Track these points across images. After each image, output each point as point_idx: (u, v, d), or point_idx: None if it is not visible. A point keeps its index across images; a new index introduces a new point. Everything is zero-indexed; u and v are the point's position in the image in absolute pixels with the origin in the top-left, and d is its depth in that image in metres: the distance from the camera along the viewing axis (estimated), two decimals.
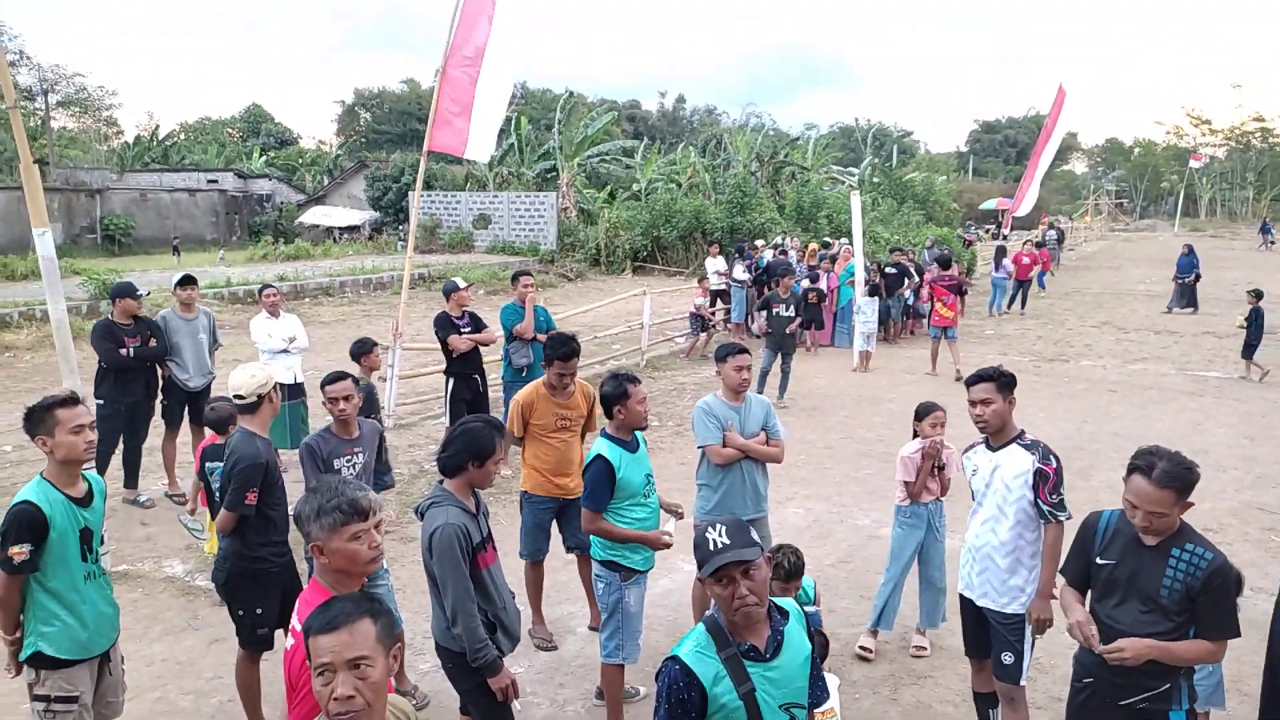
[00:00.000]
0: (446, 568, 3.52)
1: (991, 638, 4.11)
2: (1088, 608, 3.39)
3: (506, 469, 8.91)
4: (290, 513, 4.08)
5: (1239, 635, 3.17)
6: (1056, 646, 5.34)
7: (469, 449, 3.64)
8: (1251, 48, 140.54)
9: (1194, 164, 66.39)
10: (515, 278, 9.31)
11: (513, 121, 35.60)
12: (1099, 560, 3.31)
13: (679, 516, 4.93)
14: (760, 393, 11.69)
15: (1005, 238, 28.37)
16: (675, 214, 28.76)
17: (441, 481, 3.76)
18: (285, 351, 8.75)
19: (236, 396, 4.58)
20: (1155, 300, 22.93)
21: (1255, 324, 13.76)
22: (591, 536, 4.72)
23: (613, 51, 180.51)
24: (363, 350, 7.27)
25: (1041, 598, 3.94)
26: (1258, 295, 14.12)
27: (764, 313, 12.42)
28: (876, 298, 15.18)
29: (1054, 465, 3.92)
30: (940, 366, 14.11)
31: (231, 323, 16.75)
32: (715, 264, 18.08)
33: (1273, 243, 41.89)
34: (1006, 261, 20.97)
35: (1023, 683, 4.04)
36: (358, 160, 44.02)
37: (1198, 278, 21.24)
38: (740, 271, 17.09)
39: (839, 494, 8.51)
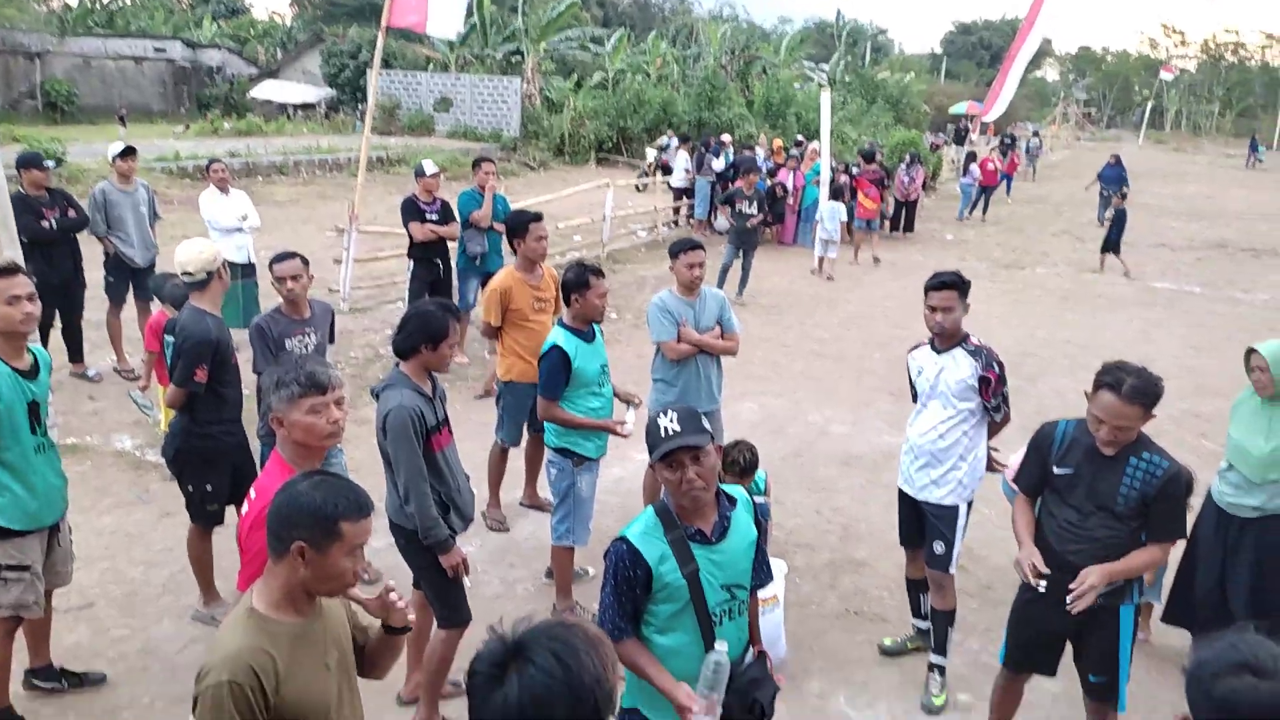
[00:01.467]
0: (400, 448, 3.55)
1: (926, 528, 4.26)
2: (1039, 512, 3.49)
3: (462, 355, 8.90)
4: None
5: (1185, 537, 3.31)
6: (989, 537, 5.58)
7: (422, 331, 3.64)
8: None
9: (1165, 76, 66.01)
10: (476, 163, 9.14)
11: (474, 1, 34.19)
12: (1056, 469, 3.37)
13: (637, 405, 4.97)
14: (720, 288, 11.73)
15: (973, 143, 28.20)
16: (642, 105, 28.14)
17: (398, 364, 3.76)
18: (238, 230, 8.54)
19: (184, 273, 4.48)
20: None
21: (1118, 223, 15.03)
22: (545, 423, 4.78)
23: None
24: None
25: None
26: (1123, 196, 16.03)
27: (727, 207, 12.33)
28: (839, 202, 14.68)
29: (996, 372, 4.02)
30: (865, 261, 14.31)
31: (180, 198, 16.26)
32: (682, 160, 17.83)
33: (1260, 160, 40.70)
34: (974, 167, 20.91)
35: (952, 571, 4.21)
36: (313, 34, 42.08)
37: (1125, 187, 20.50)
38: (718, 164, 16.91)
39: (793, 391, 8.65)
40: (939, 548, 4.20)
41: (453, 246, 8.87)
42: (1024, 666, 3.55)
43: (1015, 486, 3.67)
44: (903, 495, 4.42)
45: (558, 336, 4.61)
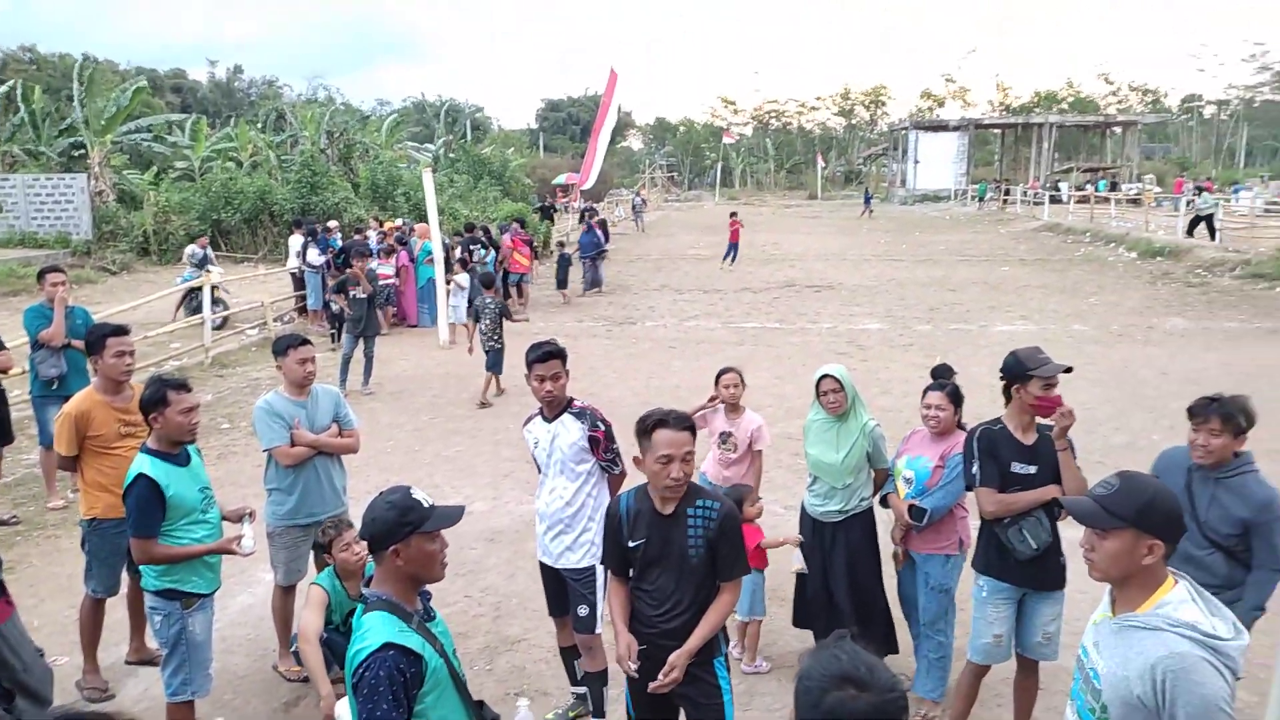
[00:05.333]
0: None
1: (569, 594, 4.34)
2: (633, 586, 3.50)
3: (58, 499, 7.64)
4: None
5: (748, 572, 3.60)
6: None
7: None
8: (767, 39, 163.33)
9: (726, 141, 75.85)
10: (41, 275, 8.04)
11: (19, 92, 30.25)
12: (631, 544, 3.40)
13: (252, 517, 4.51)
14: (343, 382, 11.29)
15: (572, 210, 30.04)
16: (236, 195, 26.45)
17: None
18: None
19: None
20: (704, 263, 25.82)
21: (562, 267, 19.42)
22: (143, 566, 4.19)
23: (149, 14, 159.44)
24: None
25: None
26: (562, 245, 20.68)
27: (340, 295, 11.92)
28: (465, 288, 14.81)
29: (603, 430, 4.24)
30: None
31: None
32: (296, 244, 16.97)
33: (872, 212, 45.06)
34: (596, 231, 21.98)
35: (598, 631, 4.32)
36: None
37: (604, 255, 21.41)
38: (314, 255, 16.18)
39: (430, 475, 8.47)
40: (583, 610, 4.29)
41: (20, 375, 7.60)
42: None
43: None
44: (543, 566, 4.47)
45: (142, 464, 4.08)
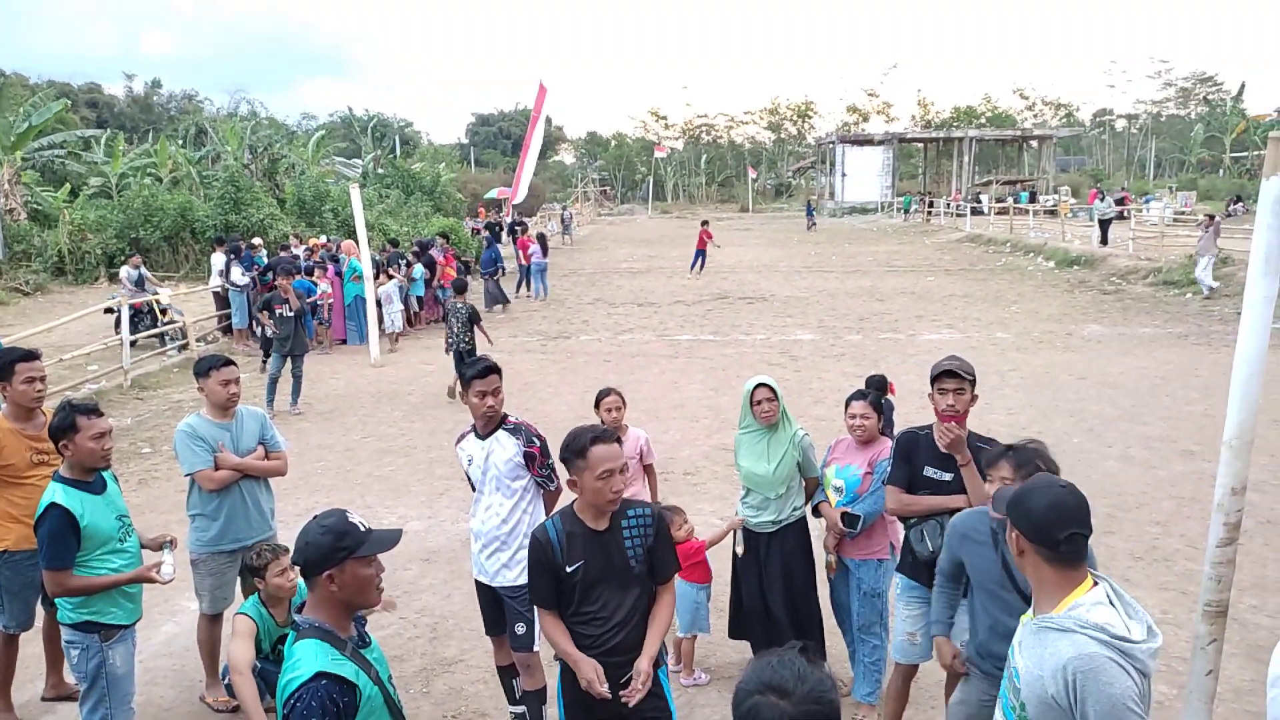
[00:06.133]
0: None
1: (506, 612, 4.29)
2: (574, 609, 3.36)
3: None
4: None
5: (680, 568, 3.61)
6: None
7: None
8: (695, 54, 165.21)
9: (658, 154, 76.40)
10: None
11: None
12: (569, 569, 3.28)
13: (173, 544, 4.36)
14: (270, 402, 11.03)
15: (507, 225, 29.91)
16: (156, 212, 25.67)
17: None
18: None
19: None
20: (638, 276, 25.92)
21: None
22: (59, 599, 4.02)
23: (60, 27, 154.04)
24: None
25: None
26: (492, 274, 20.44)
27: (266, 314, 11.67)
28: (395, 288, 16.13)
29: (538, 446, 4.21)
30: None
31: None
32: (219, 263, 16.53)
33: (814, 225, 45.41)
34: (535, 246, 21.94)
35: (536, 649, 4.28)
36: None
37: (502, 271, 21.13)
38: (238, 274, 15.78)
39: (363, 496, 8.31)
40: (520, 629, 4.25)
41: None
42: None
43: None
44: (479, 584, 4.41)
45: (54, 494, 3.92)
